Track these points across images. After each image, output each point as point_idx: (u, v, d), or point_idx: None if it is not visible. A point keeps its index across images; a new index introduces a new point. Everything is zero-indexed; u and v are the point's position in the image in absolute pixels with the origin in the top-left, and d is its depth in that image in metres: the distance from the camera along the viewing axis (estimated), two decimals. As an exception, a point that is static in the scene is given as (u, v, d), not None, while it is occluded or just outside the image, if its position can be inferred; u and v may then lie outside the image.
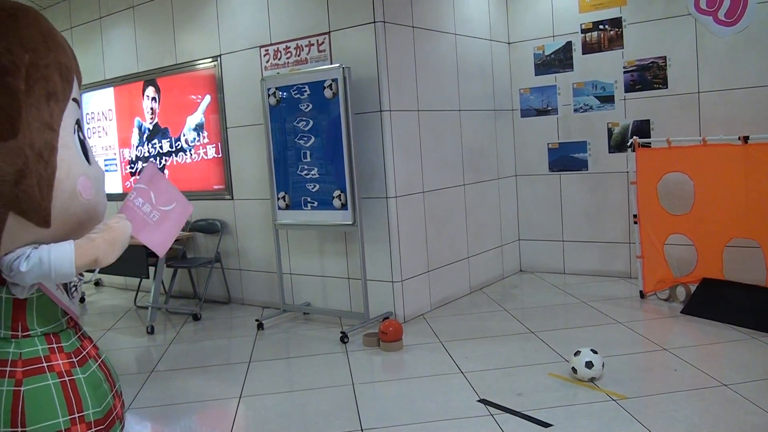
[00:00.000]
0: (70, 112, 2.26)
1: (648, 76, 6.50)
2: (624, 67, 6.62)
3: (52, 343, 2.32)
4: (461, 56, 6.56)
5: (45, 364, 2.27)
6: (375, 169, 5.64)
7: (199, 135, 6.95)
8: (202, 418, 4.15)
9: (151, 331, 5.98)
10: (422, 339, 5.26)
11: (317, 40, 5.84)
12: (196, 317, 6.37)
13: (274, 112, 5.82)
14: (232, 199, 6.77)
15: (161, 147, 7.28)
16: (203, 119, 6.90)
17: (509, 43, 7.34)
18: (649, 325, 5.32)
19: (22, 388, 2.20)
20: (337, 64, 5.43)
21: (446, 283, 6.31)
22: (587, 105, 6.85)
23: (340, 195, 5.50)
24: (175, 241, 6.36)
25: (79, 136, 2.30)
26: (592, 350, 4.14)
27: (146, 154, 7.44)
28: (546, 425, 3.57)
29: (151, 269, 6.38)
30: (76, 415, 2.25)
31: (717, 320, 5.17)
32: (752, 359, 4.39)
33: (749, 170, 5.15)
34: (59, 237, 2.23)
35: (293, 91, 5.66)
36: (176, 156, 7.16)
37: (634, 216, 5.94)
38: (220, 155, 6.79)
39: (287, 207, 5.86)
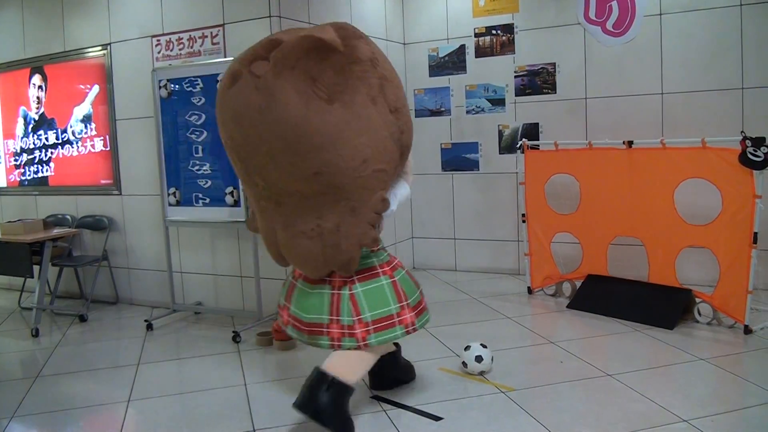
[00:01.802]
0: None
1: (538, 81, 6.71)
2: (515, 72, 6.81)
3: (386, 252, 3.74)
4: (358, 55, 6.57)
5: (396, 263, 3.70)
6: (270, 166, 5.57)
7: (86, 126, 6.69)
8: (90, 424, 3.97)
9: (35, 333, 5.70)
10: (316, 336, 5.24)
11: (211, 33, 5.72)
12: (82, 318, 6.11)
13: (166, 104, 5.66)
14: (121, 194, 6.54)
15: (47, 138, 6.97)
16: (91, 110, 6.64)
17: (404, 44, 7.42)
18: (537, 319, 5.50)
19: (396, 278, 3.59)
20: (231, 58, 5.30)
21: (341, 281, 6.30)
22: (479, 107, 7.01)
23: (233, 191, 5.41)
24: (60, 238, 6.16)
25: None
26: (481, 344, 4.24)
27: (32, 146, 7.10)
28: (437, 418, 3.63)
29: (36, 268, 6.07)
30: (420, 289, 3.75)
31: (601, 314, 5.41)
32: (635, 350, 4.61)
33: (633, 173, 5.39)
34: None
35: (185, 83, 5.52)
36: (62, 148, 6.87)
37: (523, 215, 6.12)
38: (108, 148, 6.56)
39: (178, 203, 5.71)
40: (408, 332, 3.53)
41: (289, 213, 3.44)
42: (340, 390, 3.41)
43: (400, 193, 3.61)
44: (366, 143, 3.22)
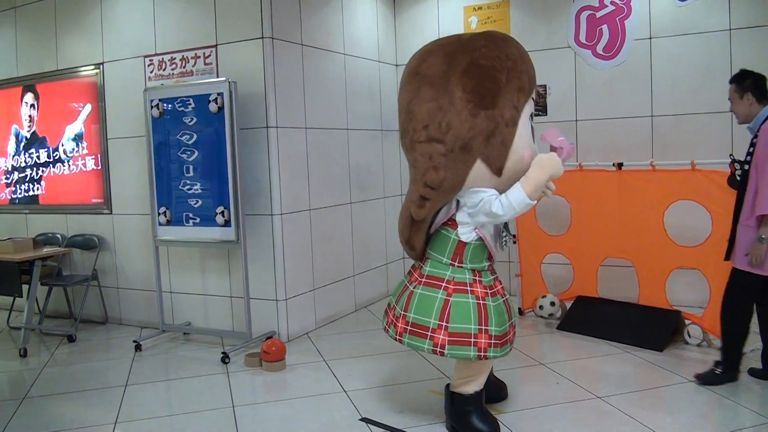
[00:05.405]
0: (528, 106, 3.50)
1: (529, 102, 6.73)
2: (507, 93, 6.82)
3: (476, 276, 3.58)
4: (350, 76, 6.61)
5: (468, 288, 3.53)
6: (260, 186, 5.58)
7: (78, 145, 6.68)
8: (74, 444, 3.96)
9: (24, 353, 5.65)
10: (306, 358, 5.23)
11: (204, 53, 5.75)
12: (71, 338, 6.08)
13: (157, 124, 5.66)
14: (111, 213, 6.53)
15: (38, 157, 6.96)
16: (83, 129, 6.64)
17: (396, 65, 7.45)
18: (527, 341, 5.47)
19: (451, 299, 3.50)
20: (224, 78, 5.35)
21: (332, 302, 6.30)
22: (472, 128, 7.01)
23: (223, 211, 5.40)
24: (50, 257, 6.12)
25: (531, 124, 3.54)
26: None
27: (23, 164, 7.09)
28: (424, 442, 3.62)
29: (25, 287, 6.04)
30: (483, 327, 3.44)
31: (591, 335, 5.41)
32: (625, 372, 4.62)
33: (623, 195, 5.40)
34: (504, 187, 3.46)
35: (177, 103, 5.53)
36: (53, 167, 6.86)
37: (513, 236, 6.11)
38: (100, 167, 6.55)
39: (168, 223, 5.70)
40: (480, 357, 3.44)
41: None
42: (461, 401, 3.65)
43: (511, 196, 3.37)
44: (429, 110, 3.42)
